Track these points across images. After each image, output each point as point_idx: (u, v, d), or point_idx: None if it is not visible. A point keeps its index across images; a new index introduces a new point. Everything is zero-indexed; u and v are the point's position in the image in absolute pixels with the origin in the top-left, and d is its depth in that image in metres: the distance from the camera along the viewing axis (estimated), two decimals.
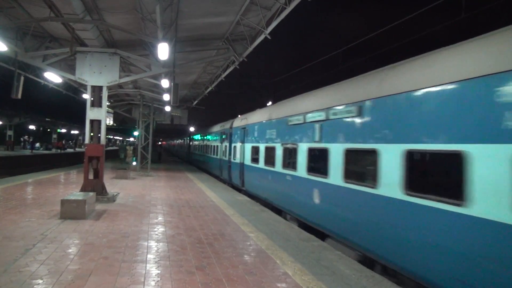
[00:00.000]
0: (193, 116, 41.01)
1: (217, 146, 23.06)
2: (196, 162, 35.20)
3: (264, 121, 13.55)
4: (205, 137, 29.50)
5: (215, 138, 24.52)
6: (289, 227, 9.47)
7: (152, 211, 10.48)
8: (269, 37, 11.39)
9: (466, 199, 4.57)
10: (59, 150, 51.20)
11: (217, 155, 23.13)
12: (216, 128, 24.85)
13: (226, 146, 20.24)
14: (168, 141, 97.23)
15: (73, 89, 21.58)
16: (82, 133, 62.72)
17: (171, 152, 79.18)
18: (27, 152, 43.14)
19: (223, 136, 21.20)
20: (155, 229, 8.31)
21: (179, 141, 61.66)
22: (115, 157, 43.95)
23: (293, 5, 9.43)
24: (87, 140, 11.83)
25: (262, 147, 13.42)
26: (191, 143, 41.34)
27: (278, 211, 11.70)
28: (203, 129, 34.04)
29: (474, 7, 9.57)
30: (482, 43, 4.93)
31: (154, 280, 5.20)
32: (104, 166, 12.22)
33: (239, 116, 19.82)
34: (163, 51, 10.40)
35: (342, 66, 16.24)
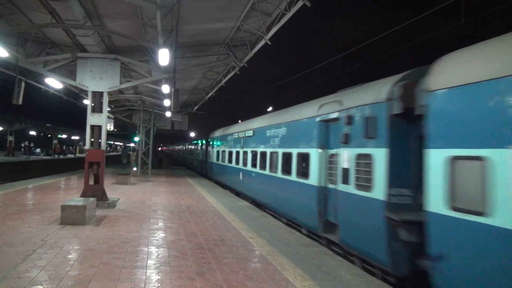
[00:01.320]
0: (193, 121, 41.11)
1: (308, 155, 10.03)
2: (224, 179, 21.62)
3: None
4: (253, 136, 15.76)
5: (295, 136, 11.23)
6: (290, 232, 9.44)
7: (153, 217, 10.46)
8: (269, 42, 11.45)
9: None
10: (56, 156, 49.43)
11: (307, 176, 10.03)
12: (302, 112, 10.98)
13: (384, 156, 6.79)
14: (171, 146, 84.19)
15: (74, 94, 21.62)
16: (83, 138, 62.77)
17: (175, 160, 63.82)
18: (26, 157, 43.11)
19: (350, 128, 8.00)
20: (156, 235, 8.29)
21: (189, 146, 43.03)
22: (116, 162, 43.94)
23: (293, 11, 9.48)
24: (87, 146, 11.84)
25: None
26: (210, 148, 26.61)
27: None
28: (243, 121, 19.77)
29: (474, 13, 9.62)
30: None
31: (154, 286, 5.18)
32: (105, 172, 12.22)
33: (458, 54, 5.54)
34: (164, 56, 10.44)
35: (342, 71, 16.29)
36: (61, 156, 51.28)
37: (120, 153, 51.99)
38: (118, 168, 31.97)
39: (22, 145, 49.70)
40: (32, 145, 50.46)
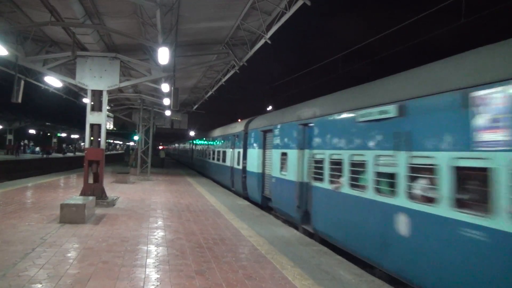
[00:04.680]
0: (193, 120, 41.07)
1: None
2: None
3: None
4: None
5: None
6: (289, 231, 9.45)
7: (152, 215, 10.46)
8: (269, 41, 11.42)
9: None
10: (45, 155, 45.87)
11: None
12: None
13: None
14: (178, 144, 65.08)
15: (73, 93, 21.59)
16: (82, 137, 62.69)
17: (188, 166, 42.30)
18: (27, 156, 42.99)
19: None
20: (155, 233, 8.29)
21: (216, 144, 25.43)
22: (115, 161, 43.91)
23: (293, 10, 9.45)
24: (87, 144, 11.82)
25: None
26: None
27: None
28: None
29: (474, 12, 9.61)
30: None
31: (153, 285, 5.17)
32: (104, 171, 12.20)
33: None
34: (163, 55, 10.42)
35: (342, 71, 16.27)
36: (60, 155, 51.10)
37: (123, 151, 51.73)
38: (121, 166, 31.96)
39: (22, 143, 49.74)
40: (28, 143, 50.13)
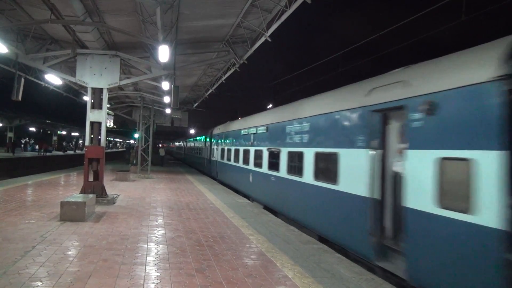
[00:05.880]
0: (193, 118, 41.06)
1: None
2: None
3: None
4: None
5: None
6: (289, 230, 9.45)
7: (152, 213, 10.47)
8: (269, 39, 11.41)
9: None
10: (43, 153, 43.54)
11: None
12: None
13: None
14: (180, 142, 58.41)
15: (74, 91, 21.59)
16: (83, 135, 62.73)
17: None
18: (28, 154, 42.95)
19: None
20: (155, 232, 8.30)
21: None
22: (115, 159, 43.91)
23: (293, 7, 9.44)
24: (87, 142, 11.82)
25: None
26: None
27: None
28: None
29: (475, 10, 9.59)
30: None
31: (153, 283, 5.18)
32: (104, 168, 12.20)
33: None
34: (164, 53, 10.41)
35: (342, 68, 16.25)
36: (60, 153, 51.06)
37: (124, 149, 51.68)
38: (121, 164, 31.95)
39: (22, 141, 49.72)
40: (29, 140, 50.01)
